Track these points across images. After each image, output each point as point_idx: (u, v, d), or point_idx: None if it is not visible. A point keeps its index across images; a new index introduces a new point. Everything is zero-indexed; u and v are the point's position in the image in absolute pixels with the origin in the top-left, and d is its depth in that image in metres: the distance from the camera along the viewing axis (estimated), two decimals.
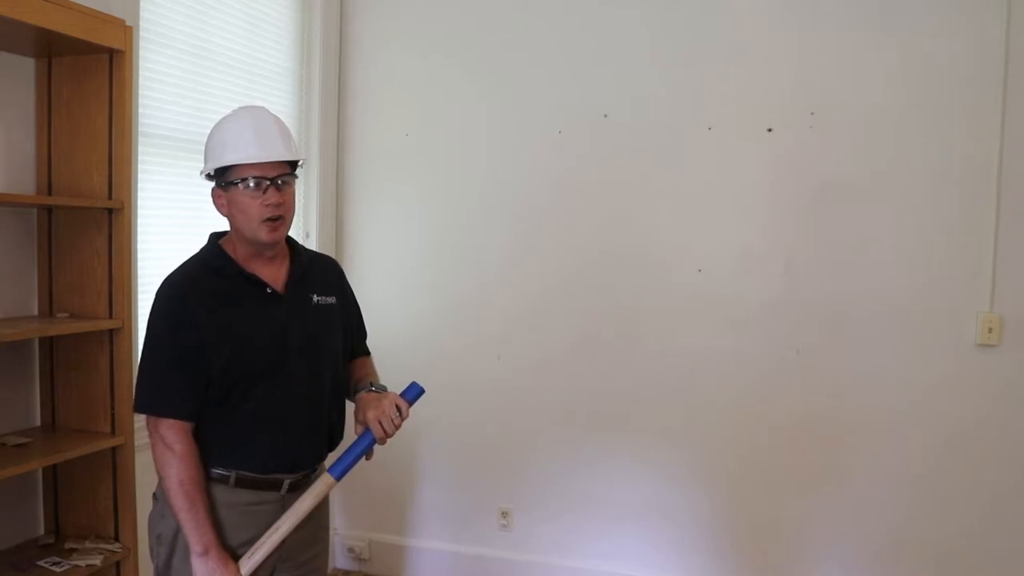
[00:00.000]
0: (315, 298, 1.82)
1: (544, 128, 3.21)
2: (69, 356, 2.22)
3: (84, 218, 2.19)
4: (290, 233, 1.83)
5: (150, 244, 2.55)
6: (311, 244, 3.31)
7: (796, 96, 2.93)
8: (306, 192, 3.34)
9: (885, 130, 2.85)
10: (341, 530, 3.57)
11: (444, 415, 3.33)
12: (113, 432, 2.19)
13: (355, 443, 1.78)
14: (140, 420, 1.93)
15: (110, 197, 2.17)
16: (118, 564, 2.20)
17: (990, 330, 2.77)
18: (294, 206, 1.77)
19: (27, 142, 2.20)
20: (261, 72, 3.10)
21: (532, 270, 3.25)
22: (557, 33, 3.18)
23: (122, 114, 2.16)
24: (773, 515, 3.03)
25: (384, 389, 1.86)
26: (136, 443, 2.20)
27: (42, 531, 2.28)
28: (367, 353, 2.04)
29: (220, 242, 1.78)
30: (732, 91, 2.99)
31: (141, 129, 2.47)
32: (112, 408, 2.19)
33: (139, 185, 2.42)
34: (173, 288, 1.72)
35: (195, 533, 1.65)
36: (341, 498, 3.53)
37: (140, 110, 2.46)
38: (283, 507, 1.75)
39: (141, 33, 2.44)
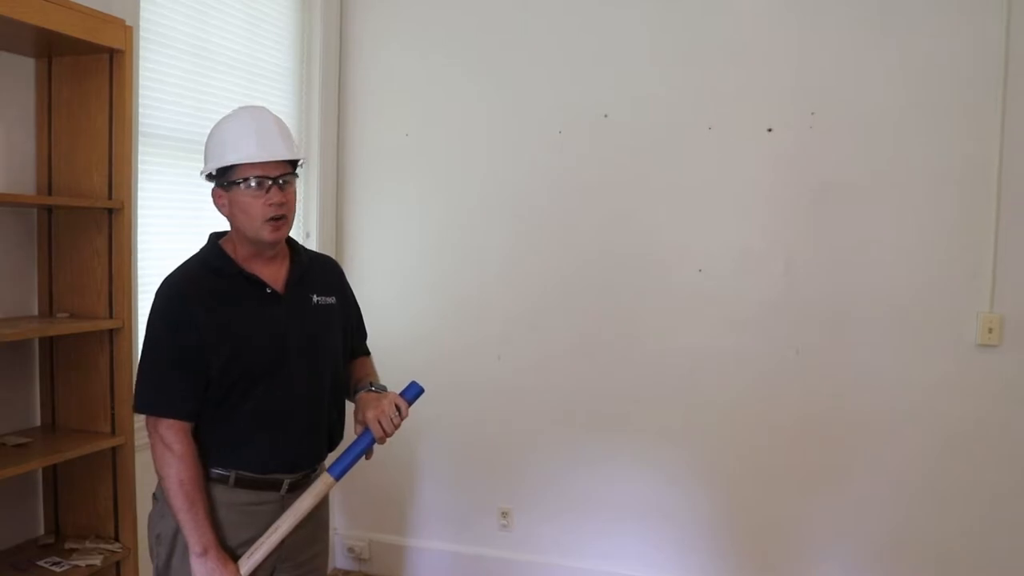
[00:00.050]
0: (315, 298, 1.82)
1: (544, 128, 3.21)
2: (69, 356, 2.22)
3: (84, 218, 2.19)
4: (290, 233, 1.83)
5: (150, 244, 2.55)
6: (311, 244, 3.31)
7: (796, 96, 2.93)
8: (306, 192, 3.34)
9: (885, 130, 2.85)
10: (341, 530, 3.58)
11: (444, 415, 3.33)
12: (113, 432, 2.19)
13: (355, 443, 1.78)
14: (140, 420, 1.93)
15: (110, 197, 2.17)
16: (118, 564, 2.20)
17: (990, 330, 2.77)
18: (295, 205, 1.77)
19: (27, 142, 2.20)
20: (261, 72, 3.10)
21: (532, 270, 3.25)
22: (557, 33, 3.18)
23: (122, 114, 2.16)
24: (773, 515, 3.03)
25: (384, 389, 1.86)
26: (136, 443, 2.20)
27: (42, 531, 2.28)
28: (367, 353, 2.04)
29: (220, 242, 1.78)
30: (732, 91, 2.99)
31: (141, 129, 2.47)
32: (112, 408, 2.19)
33: (139, 185, 2.42)
34: (173, 288, 1.71)
35: (194, 533, 1.65)
36: (341, 498, 3.53)
37: (140, 110, 2.46)
38: (283, 507, 1.75)
39: (141, 33, 2.44)
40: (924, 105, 2.81)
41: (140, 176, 2.45)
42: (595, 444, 3.21)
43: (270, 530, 1.72)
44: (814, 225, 2.94)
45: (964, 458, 2.83)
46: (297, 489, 1.77)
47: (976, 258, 2.79)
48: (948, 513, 2.85)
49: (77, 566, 2.07)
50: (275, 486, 1.75)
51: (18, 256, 2.20)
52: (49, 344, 2.24)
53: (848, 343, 2.92)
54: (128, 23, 2.16)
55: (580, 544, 3.25)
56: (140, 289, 2.36)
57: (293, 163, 1.75)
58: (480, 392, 3.34)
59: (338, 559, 3.57)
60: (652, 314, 3.12)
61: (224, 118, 1.76)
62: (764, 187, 2.98)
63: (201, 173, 1.75)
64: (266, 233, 1.70)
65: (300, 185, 1.78)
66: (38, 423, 2.26)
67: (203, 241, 1.82)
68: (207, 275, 1.73)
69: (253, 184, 1.67)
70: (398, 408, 1.77)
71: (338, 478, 1.76)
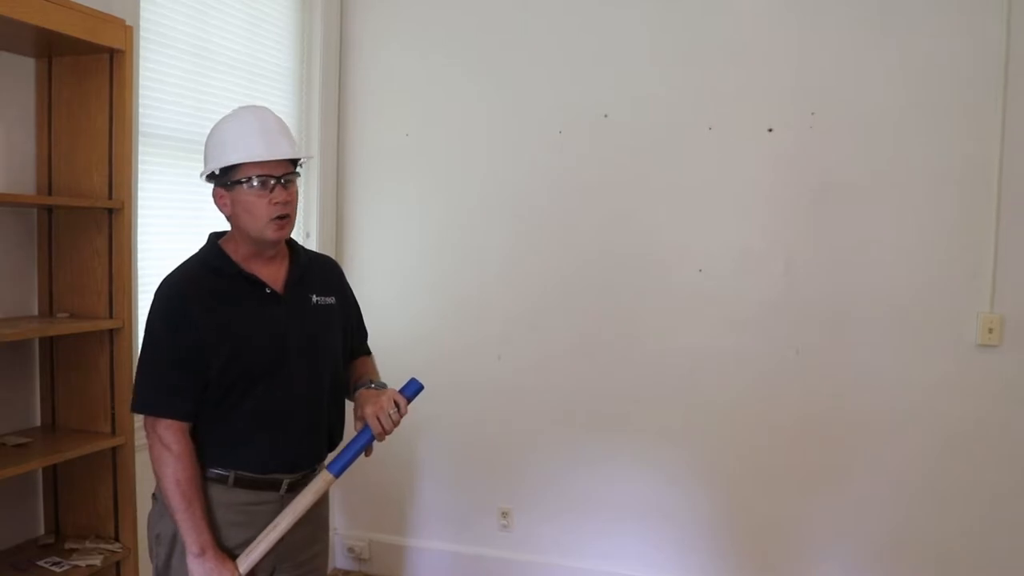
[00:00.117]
0: (314, 298, 1.82)
1: (544, 128, 3.21)
2: (69, 356, 2.22)
3: (84, 218, 2.19)
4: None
5: (150, 244, 2.55)
6: (311, 244, 3.31)
7: (796, 96, 2.93)
8: (306, 192, 3.34)
9: (885, 130, 2.85)
10: (341, 530, 3.58)
11: (444, 415, 3.33)
12: (113, 432, 2.19)
13: (354, 440, 1.77)
14: (140, 420, 1.92)
15: (110, 197, 2.17)
16: (118, 564, 2.20)
17: (990, 330, 2.77)
18: (297, 204, 1.77)
19: (27, 142, 2.20)
20: (261, 72, 3.10)
21: (532, 270, 3.25)
22: (557, 33, 3.18)
23: (122, 114, 2.16)
24: (773, 515, 3.03)
25: (384, 386, 1.86)
26: (136, 443, 2.20)
27: (42, 531, 2.28)
28: (368, 353, 2.04)
29: (219, 242, 1.78)
30: (732, 91, 2.99)
31: (141, 129, 2.47)
32: (112, 408, 2.19)
33: (139, 185, 2.42)
34: (172, 288, 1.71)
35: (192, 533, 1.65)
36: (341, 498, 3.53)
37: (140, 110, 2.46)
38: (282, 507, 1.74)
39: (141, 33, 2.44)
40: (924, 105, 2.81)
41: (140, 176, 2.45)
42: (595, 444, 3.20)
43: (269, 527, 1.71)
44: (814, 225, 2.94)
45: (964, 458, 2.83)
46: (296, 489, 1.76)
47: (976, 258, 2.79)
48: (948, 513, 2.85)
49: (77, 566, 2.07)
50: (274, 486, 1.75)
51: (18, 256, 2.20)
52: (49, 344, 2.24)
53: (848, 343, 2.92)
54: (128, 23, 2.16)
55: (580, 544, 3.25)
56: (140, 289, 2.36)
57: (294, 162, 1.75)
58: (480, 392, 3.34)
59: (338, 559, 3.57)
60: (652, 314, 3.12)
61: (224, 118, 1.76)
62: (764, 187, 2.98)
63: (201, 175, 1.75)
64: (270, 232, 1.70)
65: (300, 185, 1.78)
66: (38, 423, 2.26)
67: (203, 241, 1.82)
68: (207, 275, 1.73)
69: (256, 183, 1.67)
70: (397, 405, 1.76)
71: (338, 475, 1.76)
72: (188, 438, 1.67)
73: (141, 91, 2.45)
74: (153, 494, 1.79)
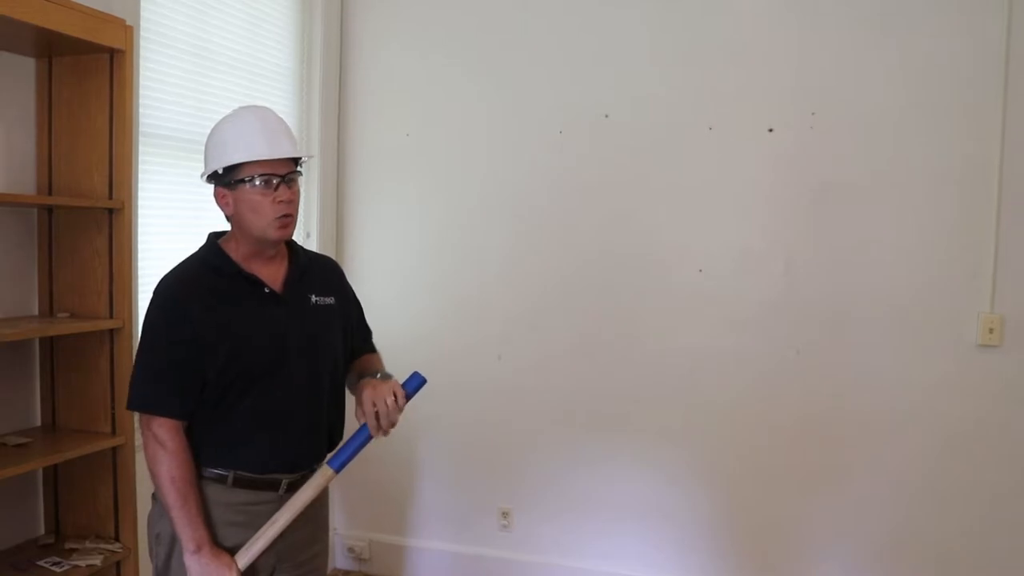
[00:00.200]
0: (313, 298, 1.82)
1: (544, 128, 3.21)
2: (69, 356, 2.22)
3: (84, 218, 2.19)
4: None
5: (150, 244, 2.55)
6: (311, 244, 3.31)
7: (796, 96, 2.93)
8: (306, 192, 3.34)
9: (885, 130, 2.85)
10: (341, 530, 3.57)
11: (444, 415, 3.33)
12: (113, 432, 2.19)
13: (355, 435, 1.76)
14: (139, 419, 1.93)
15: (110, 197, 2.17)
16: (118, 564, 2.20)
17: (991, 330, 2.77)
18: (299, 204, 1.77)
19: (27, 142, 2.20)
20: (262, 72, 3.10)
21: (532, 270, 3.25)
22: (557, 33, 3.18)
23: (122, 114, 2.16)
24: (773, 515, 3.03)
25: (389, 377, 1.82)
26: (136, 443, 2.19)
27: (42, 531, 2.28)
28: (373, 351, 2.02)
29: (219, 242, 1.78)
30: (732, 91, 2.99)
31: (141, 129, 2.47)
32: (112, 408, 2.19)
33: (139, 185, 2.42)
34: (170, 287, 1.71)
35: (187, 530, 1.65)
36: (341, 497, 3.53)
37: (141, 110, 2.46)
38: (280, 507, 1.74)
39: (142, 33, 2.44)
40: (924, 105, 2.81)
41: (140, 176, 2.45)
42: (595, 444, 3.20)
43: (268, 523, 1.71)
44: (814, 225, 2.94)
45: (964, 458, 2.83)
46: (295, 489, 1.76)
47: (976, 258, 2.79)
48: (948, 513, 2.85)
49: (77, 566, 2.07)
50: (274, 486, 1.75)
51: (18, 256, 2.20)
52: (49, 344, 2.24)
53: (848, 343, 2.92)
54: (128, 23, 2.16)
55: (580, 544, 3.25)
56: (140, 289, 2.36)
57: (296, 162, 1.75)
58: (480, 392, 3.34)
59: (338, 559, 3.57)
60: (652, 314, 3.12)
61: (224, 118, 1.75)
62: (764, 187, 2.98)
63: (202, 175, 1.75)
64: (273, 231, 1.70)
65: (301, 185, 1.79)
66: (38, 423, 2.26)
67: (203, 241, 1.82)
68: (206, 274, 1.73)
69: (259, 183, 1.67)
70: (396, 396, 1.73)
71: (338, 470, 1.74)
72: (183, 435, 1.67)
73: (141, 91, 2.45)
74: (153, 494, 1.79)
